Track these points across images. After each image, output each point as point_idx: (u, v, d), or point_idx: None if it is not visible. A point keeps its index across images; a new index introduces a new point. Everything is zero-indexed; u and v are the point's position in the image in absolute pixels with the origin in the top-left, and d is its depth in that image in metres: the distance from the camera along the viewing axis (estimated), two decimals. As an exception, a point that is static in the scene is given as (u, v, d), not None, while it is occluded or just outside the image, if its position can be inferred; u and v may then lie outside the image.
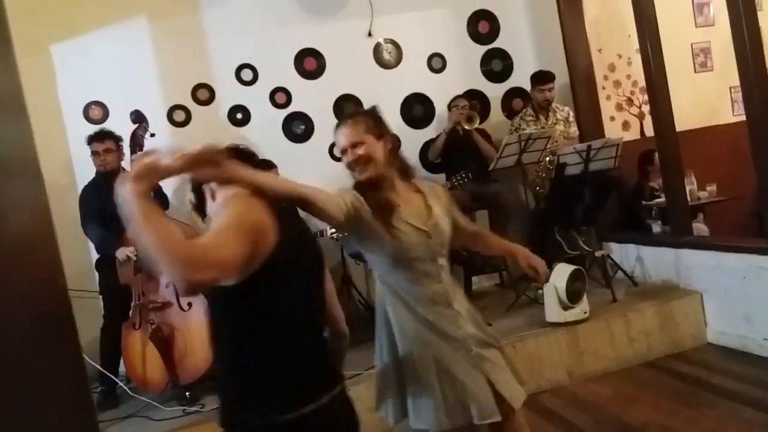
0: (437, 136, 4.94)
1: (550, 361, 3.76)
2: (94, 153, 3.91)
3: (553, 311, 3.88)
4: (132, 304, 3.59)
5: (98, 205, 3.78)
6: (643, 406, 3.37)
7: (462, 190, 4.45)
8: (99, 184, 3.91)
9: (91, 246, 4.03)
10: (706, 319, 4.07)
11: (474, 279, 4.95)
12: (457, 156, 4.79)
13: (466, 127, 4.79)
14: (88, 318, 4.04)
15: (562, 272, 3.91)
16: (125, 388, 3.64)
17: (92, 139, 3.94)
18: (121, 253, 3.63)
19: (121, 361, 3.72)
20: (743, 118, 3.87)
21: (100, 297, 3.95)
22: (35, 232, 1.62)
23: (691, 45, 5.63)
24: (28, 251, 1.55)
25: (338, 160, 4.93)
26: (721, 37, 5.20)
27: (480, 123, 5.09)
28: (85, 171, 4.07)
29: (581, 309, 3.89)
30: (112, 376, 3.68)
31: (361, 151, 1.98)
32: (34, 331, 1.57)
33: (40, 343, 1.59)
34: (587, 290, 3.97)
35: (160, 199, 4.04)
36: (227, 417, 1.55)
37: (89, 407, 1.98)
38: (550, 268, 4.32)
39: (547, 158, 4.60)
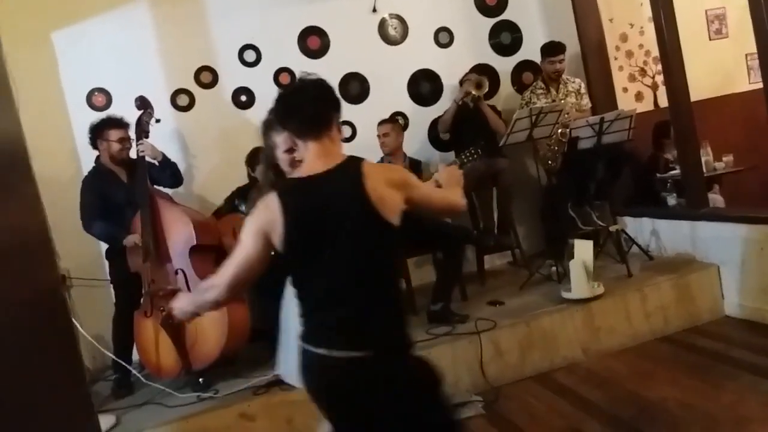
0: (446, 110, 4.87)
1: (565, 339, 3.71)
2: (110, 140, 3.77)
3: (580, 287, 3.79)
4: (143, 292, 3.57)
5: (101, 198, 3.72)
6: (660, 381, 3.33)
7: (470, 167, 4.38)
8: (102, 174, 3.84)
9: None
10: (723, 291, 4.00)
11: (486, 258, 4.89)
12: (467, 131, 4.72)
13: (473, 92, 4.72)
14: (100, 307, 4.08)
15: (584, 247, 3.85)
16: (139, 375, 3.64)
17: (109, 125, 3.78)
18: (129, 240, 3.61)
19: (135, 349, 3.71)
20: (760, 85, 3.77)
21: (111, 286, 3.94)
22: (26, 225, 1.57)
23: (706, 12, 5.47)
24: (19, 244, 1.50)
25: (347, 140, 4.89)
26: (736, 2, 5.05)
27: (490, 98, 5.02)
28: (91, 159, 4.04)
29: (597, 283, 3.85)
30: (125, 364, 3.68)
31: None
32: (26, 325, 1.53)
33: (33, 337, 1.55)
34: (603, 266, 3.91)
35: (174, 177, 4.01)
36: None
37: (87, 403, 1.94)
38: (566, 244, 4.29)
39: (559, 131, 4.51)
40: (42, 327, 1.48)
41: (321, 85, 1.88)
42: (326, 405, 1.85)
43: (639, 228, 4.66)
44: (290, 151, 2.31)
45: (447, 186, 2.10)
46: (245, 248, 1.80)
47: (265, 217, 1.78)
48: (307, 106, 1.85)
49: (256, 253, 1.79)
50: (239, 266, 1.81)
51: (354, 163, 1.82)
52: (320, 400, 1.85)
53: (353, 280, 1.77)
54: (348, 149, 2.10)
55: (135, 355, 3.75)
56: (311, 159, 1.84)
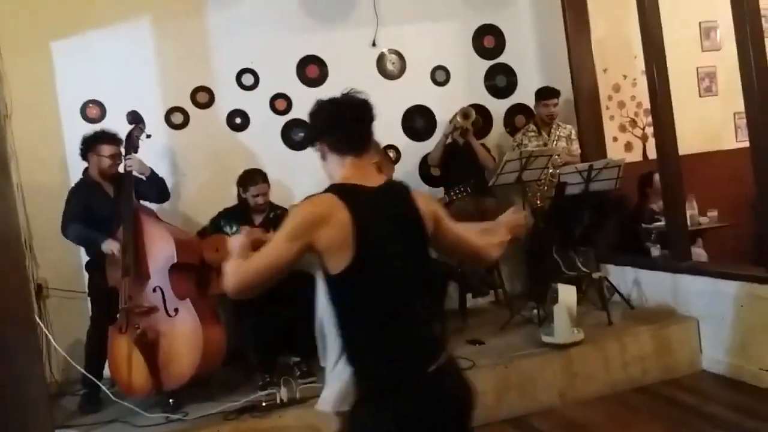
0: (436, 144, 4.94)
1: (542, 383, 3.69)
2: (102, 155, 3.76)
3: (564, 332, 3.79)
4: (119, 308, 3.52)
5: (85, 209, 3.69)
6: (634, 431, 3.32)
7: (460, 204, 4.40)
8: (89, 186, 3.83)
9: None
10: (701, 345, 4.01)
11: (468, 296, 4.87)
12: (457, 168, 4.76)
13: (459, 120, 4.79)
14: (76, 319, 4.02)
15: (568, 292, 3.87)
16: (108, 392, 3.56)
17: (103, 140, 3.76)
18: (107, 246, 3.56)
19: (106, 365, 3.64)
20: (746, 144, 3.84)
21: (88, 299, 3.88)
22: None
23: (697, 69, 5.60)
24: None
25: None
26: (726, 62, 5.16)
27: (482, 138, 5.07)
28: (80, 170, 4.01)
29: (578, 329, 3.85)
30: (95, 380, 3.60)
31: None
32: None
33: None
34: (584, 312, 3.91)
35: (160, 193, 3.98)
36: None
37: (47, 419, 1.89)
38: (549, 288, 4.29)
39: (549, 170, 4.56)
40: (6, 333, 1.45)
41: (368, 106, 1.85)
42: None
43: (622, 276, 4.67)
44: None
45: (494, 230, 2.05)
46: (279, 249, 1.64)
47: (320, 214, 1.64)
48: (351, 125, 1.81)
49: (291, 257, 1.63)
50: (265, 267, 1.65)
51: (399, 184, 1.86)
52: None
53: (416, 294, 1.75)
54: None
55: (106, 371, 3.68)
56: (349, 174, 1.78)
